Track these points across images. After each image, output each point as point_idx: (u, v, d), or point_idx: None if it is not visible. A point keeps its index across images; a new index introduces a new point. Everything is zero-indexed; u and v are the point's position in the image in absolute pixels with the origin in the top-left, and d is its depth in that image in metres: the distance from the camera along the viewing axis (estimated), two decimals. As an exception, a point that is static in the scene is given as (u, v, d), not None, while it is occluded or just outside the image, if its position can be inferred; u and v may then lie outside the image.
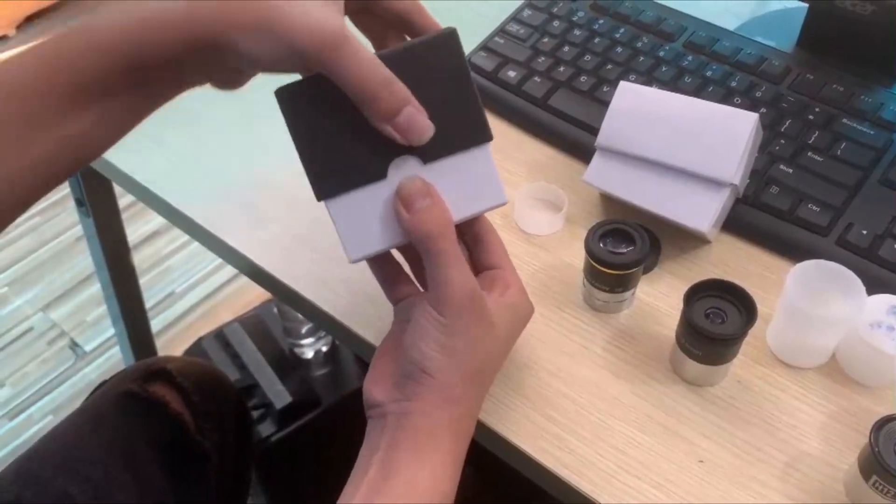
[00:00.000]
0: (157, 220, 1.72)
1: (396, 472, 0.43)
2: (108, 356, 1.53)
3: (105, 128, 0.42)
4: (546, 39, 0.73)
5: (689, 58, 0.70)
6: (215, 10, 0.39)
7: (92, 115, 0.41)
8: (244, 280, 1.66)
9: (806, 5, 0.72)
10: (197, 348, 1.12)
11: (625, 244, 0.54)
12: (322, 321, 0.60)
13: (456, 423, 0.45)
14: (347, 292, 0.59)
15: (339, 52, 0.40)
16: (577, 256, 0.60)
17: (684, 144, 0.57)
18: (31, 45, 0.40)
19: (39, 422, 1.44)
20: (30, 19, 0.97)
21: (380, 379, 0.47)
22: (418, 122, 0.43)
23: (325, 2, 0.41)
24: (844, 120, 0.64)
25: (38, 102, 0.40)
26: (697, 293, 0.51)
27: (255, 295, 1.50)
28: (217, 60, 0.41)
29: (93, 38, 0.40)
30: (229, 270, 1.66)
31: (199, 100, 0.75)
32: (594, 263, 0.54)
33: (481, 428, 0.52)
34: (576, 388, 0.53)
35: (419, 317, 0.44)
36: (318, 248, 0.62)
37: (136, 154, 0.70)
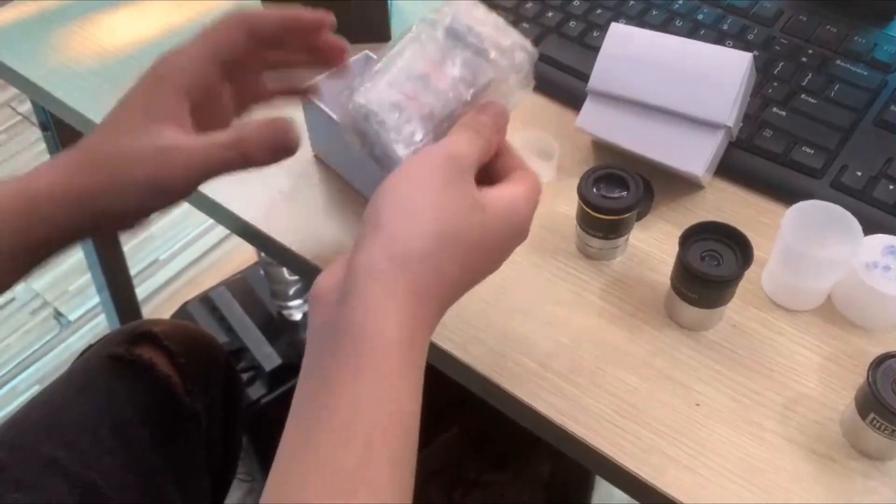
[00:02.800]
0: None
1: (332, 386, 0.36)
2: (92, 325, 1.51)
3: None
4: (533, -15, 0.71)
5: (680, 1, 0.68)
6: (88, 182, 0.44)
7: None
8: (230, 245, 1.64)
9: (798, -54, 0.70)
10: (183, 312, 1.11)
11: (618, 189, 0.53)
12: (312, 276, 0.58)
13: (414, 293, 0.38)
14: (334, 249, 0.58)
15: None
16: (569, 206, 0.59)
17: (677, 86, 0.55)
18: None
19: (24, 392, 1.43)
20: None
21: (332, 272, 0.41)
22: None
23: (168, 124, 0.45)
24: (838, 61, 0.63)
25: None
26: (692, 236, 0.50)
27: (242, 260, 1.48)
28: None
29: None
30: (214, 236, 1.64)
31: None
32: (587, 209, 0.53)
33: (473, 375, 0.51)
34: (570, 336, 0.53)
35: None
36: (308, 203, 0.60)
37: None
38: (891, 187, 0.56)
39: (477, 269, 0.43)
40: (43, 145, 0.93)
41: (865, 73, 0.62)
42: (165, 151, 0.45)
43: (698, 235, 0.50)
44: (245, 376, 1.01)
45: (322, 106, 0.56)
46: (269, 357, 1.02)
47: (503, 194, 0.43)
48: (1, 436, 0.66)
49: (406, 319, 0.38)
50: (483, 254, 0.42)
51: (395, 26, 0.73)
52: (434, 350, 0.53)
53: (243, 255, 1.39)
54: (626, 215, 0.53)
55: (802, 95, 0.61)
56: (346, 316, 0.37)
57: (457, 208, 0.40)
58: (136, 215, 0.47)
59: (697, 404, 0.49)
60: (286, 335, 1.07)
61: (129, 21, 0.76)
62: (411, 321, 0.38)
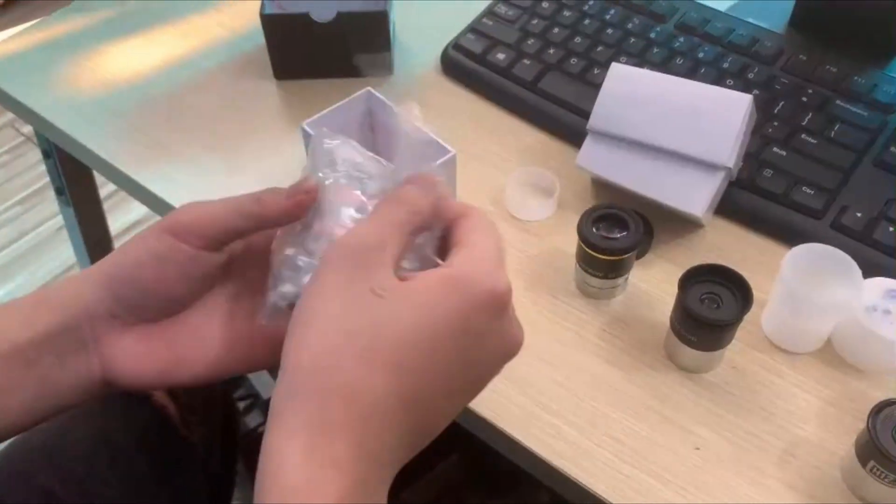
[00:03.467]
0: (139, 210, 1.69)
1: None
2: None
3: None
4: (535, 21, 0.71)
5: (681, 39, 0.68)
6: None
7: None
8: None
9: (798, -15, 0.71)
10: (182, 339, 1.11)
11: (618, 229, 0.53)
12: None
13: (317, 428, 0.31)
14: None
15: None
16: (569, 242, 0.59)
17: (678, 127, 0.56)
18: None
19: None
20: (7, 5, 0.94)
21: None
22: None
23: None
24: (838, 101, 0.63)
25: None
26: (692, 278, 0.50)
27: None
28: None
29: None
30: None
31: (184, 87, 0.74)
32: (587, 249, 0.53)
33: (471, 415, 0.51)
34: (569, 376, 0.52)
35: None
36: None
37: (116, 141, 0.68)
38: (891, 229, 0.56)
39: (428, 380, 0.33)
40: (45, 167, 0.93)
41: (865, 114, 0.62)
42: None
43: (698, 278, 0.50)
44: (242, 404, 1.01)
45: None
46: (266, 385, 1.02)
47: (435, 272, 0.35)
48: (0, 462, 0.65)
49: (304, 461, 0.31)
50: (423, 354, 0.33)
51: (398, 61, 0.73)
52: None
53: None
54: (626, 256, 0.53)
55: (802, 135, 0.61)
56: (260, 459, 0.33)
57: (354, 307, 0.33)
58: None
59: (697, 448, 0.49)
60: (285, 362, 1.06)
61: (133, 53, 0.76)
62: (312, 462, 0.31)
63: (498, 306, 0.35)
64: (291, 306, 0.36)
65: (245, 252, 0.45)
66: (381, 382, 0.33)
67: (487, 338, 0.35)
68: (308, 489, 0.31)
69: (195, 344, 0.44)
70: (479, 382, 0.37)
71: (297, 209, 0.41)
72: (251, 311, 0.44)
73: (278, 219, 0.42)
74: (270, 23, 0.68)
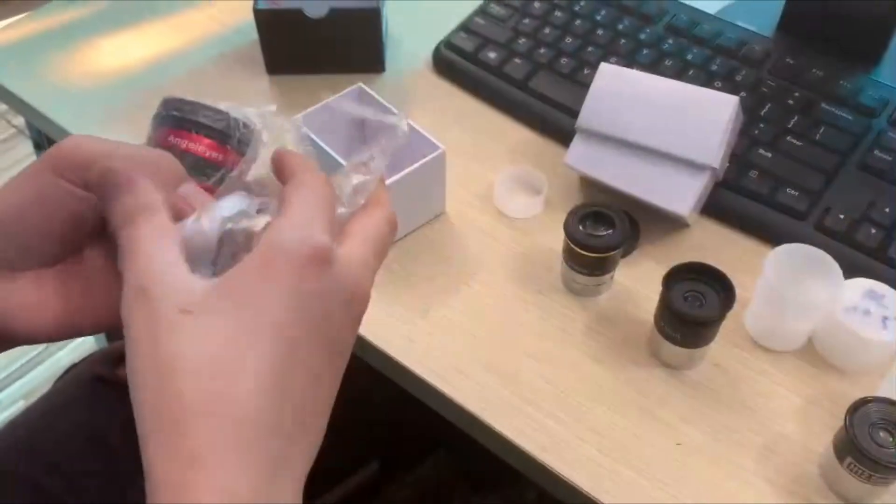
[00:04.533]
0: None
1: None
2: (80, 340, 1.50)
3: None
4: (527, 21, 0.72)
5: (670, 41, 0.69)
6: None
7: None
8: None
9: (786, -10, 0.72)
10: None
11: (604, 227, 0.54)
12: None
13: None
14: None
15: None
16: (556, 240, 0.60)
17: (665, 127, 0.56)
18: None
19: (9, 407, 1.42)
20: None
21: None
22: None
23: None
24: (824, 105, 0.64)
25: None
26: (676, 276, 0.51)
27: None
28: None
29: None
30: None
31: (176, 79, 0.74)
32: (573, 246, 0.53)
33: (456, 409, 0.51)
34: (554, 372, 0.53)
35: None
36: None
37: (107, 133, 0.68)
38: (873, 231, 0.56)
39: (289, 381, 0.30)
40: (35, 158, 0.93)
41: (850, 118, 0.63)
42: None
43: (682, 276, 0.51)
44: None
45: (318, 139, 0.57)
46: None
47: (243, 263, 0.32)
48: (-17, 456, 0.65)
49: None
50: (265, 355, 0.30)
51: (390, 58, 0.74)
52: (418, 382, 0.53)
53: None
54: (612, 253, 0.53)
55: (788, 137, 0.62)
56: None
57: (158, 342, 0.31)
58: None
59: (678, 443, 0.50)
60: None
61: (126, 45, 0.77)
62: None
63: (317, 267, 0.31)
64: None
65: None
66: (232, 410, 0.29)
67: (327, 301, 0.32)
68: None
69: (92, 290, 0.41)
70: (339, 349, 0.33)
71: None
72: None
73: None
74: (263, 18, 0.69)
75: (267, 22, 0.69)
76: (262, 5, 0.70)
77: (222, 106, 0.41)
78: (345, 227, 0.35)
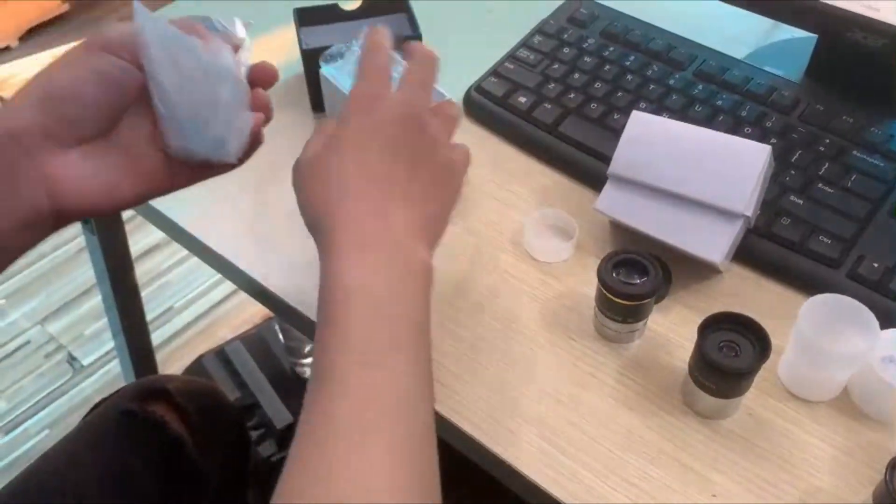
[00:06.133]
0: (156, 234, 1.72)
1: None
2: (105, 370, 1.52)
3: None
4: (556, 66, 0.73)
5: (700, 87, 0.70)
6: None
7: None
8: (244, 296, 1.65)
9: (815, 35, 0.72)
10: (198, 366, 1.12)
11: (637, 274, 0.54)
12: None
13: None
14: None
15: None
16: (587, 284, 0.60)
17: (696, 175, 0.57)
18: None
19: (35, 436, 1.43)
20: (32, 31, 0.97)
21: None
22: None
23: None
24: (854, 152, 0.64)
25: None
26: (711, 326, 0.51)
27: (255, 311, 1.49)
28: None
29: None
30: (229, 286, 1.65)
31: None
32: (607, 293, 0.54)
33: (484, 451, 0.52)
34: (586, 419, 0.53)
35: None
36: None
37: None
38: (907, 280, 0.56)
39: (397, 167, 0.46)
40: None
41: (881, 165, 0.63)
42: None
43: (717, 325, 0.51)
44: (255, 434, 1.01)
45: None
46: (280, 414, 1.02)
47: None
48: (11, 491, 0.66)
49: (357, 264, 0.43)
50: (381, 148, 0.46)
51: None
52: (448, 427, 0.53)
53: (257, 305, 1.39)
54: (645, 301, 0.54)
55: (819, 184, 0.62)
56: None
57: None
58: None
59: (714, 495, 0.49)
60: (298, 392, 1.07)
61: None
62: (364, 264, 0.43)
63: (413, 123, 0.47)
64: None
65: None
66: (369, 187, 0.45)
67: (420, 147, 0.47)
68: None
69: (131, 161, 0.47)
70: (436, 172, 0.48)
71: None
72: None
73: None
74: (310, 57, 0.70)
75: (313, 60, 0.70)
76: (309, 45, 0.71)
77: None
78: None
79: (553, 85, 0.71)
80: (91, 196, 0.46)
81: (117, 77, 0.45)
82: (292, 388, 1.08)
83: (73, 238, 1.72)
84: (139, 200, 0.48)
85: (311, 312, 0.59)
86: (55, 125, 0.44)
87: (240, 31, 0.52)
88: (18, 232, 0.44)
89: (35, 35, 2.14)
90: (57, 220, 0.46)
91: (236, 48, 0.51)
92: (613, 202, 0.60)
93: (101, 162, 0.46)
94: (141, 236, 1.71)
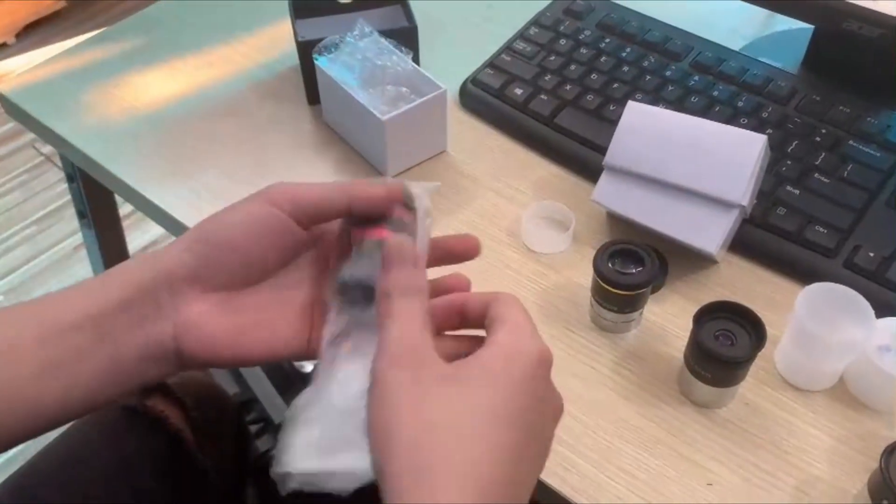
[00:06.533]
0: (155, 230, 1.71)
1: None
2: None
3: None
4: (553, 57, 0.73)
5: (696, 77, 0.70)
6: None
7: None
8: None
9: (811, 27, 0.72)
10: (195, 361, 1.11)
11: (633, 264, 0.54)
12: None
13: None
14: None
15: None
16: (584, 275, 0.60)
17: (693, 165, 0.57)
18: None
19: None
20: (28, 28, 0.97)
21: None
22: None
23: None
24: (851, 142, 0.64)
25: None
26: (707, 315, 0.51)
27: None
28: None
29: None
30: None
31: (209, 114, 0.75)
32: (603, 284, 0.54)
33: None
34: (583, 409, 0.53)
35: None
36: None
37: (139, 168, 0.70)
38: (903, 269, 0.56)
39: (518, 450, 0.36)
40: (64, 185, 0.94)
41: (878, 155, 0.63)
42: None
43: (712, 314, 0.51)
44: (254, 428, 1.01)
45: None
46: (279, 409, 1.02)
47: (486, 350, 0.38)
48: (12, 487, 0.66)
49: None
50: (507, 425, 0.36)
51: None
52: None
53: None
54: (641, 291, 0.54)
55: (816, 174, 0.62)
56: None
57: (429, 398, 0.36)
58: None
59: (709, 483, 0.49)
60: (297, 387, 1.07)
61: (159, 81, 0.78)
62: None
63: (547, 367, 0.39)
64: (357, 287, 0.42)
65: (315, 239, 0.46)
66: (483, 460, 0.35)
67: (546, 400, 0.39)
68: None
69: (267, 318, 0.44)
70: (545, 445, 0.40)
71: (388, 197, 0.43)
72: (312, 298, 0.45)
73: (367, 203, 0.43)
74: (306, 48, 0.70)
75: (309, 52, 0.69)
76: (304, 37, 0.70)
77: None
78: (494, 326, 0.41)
79: (549, 76, 0.71)
80: (217, 345, 0.43)
81: (274, 230, 0.43)
82: (291, 383, 1.08)
83: (68, 236, 1.72)
84: (264, 360, 0.45)
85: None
86: (203, 269, 0.43)
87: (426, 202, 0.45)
88: (140, 362, 0.43)
89: (32, 32, 2.14)
90: (178, 359, 0.44)
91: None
92: (610, 193, 0.60)
93: (235, 315, 0.44)
94: (139, 232, 1.71)
